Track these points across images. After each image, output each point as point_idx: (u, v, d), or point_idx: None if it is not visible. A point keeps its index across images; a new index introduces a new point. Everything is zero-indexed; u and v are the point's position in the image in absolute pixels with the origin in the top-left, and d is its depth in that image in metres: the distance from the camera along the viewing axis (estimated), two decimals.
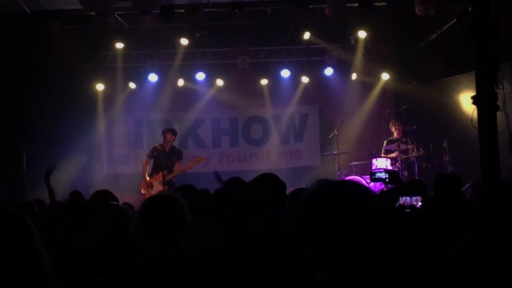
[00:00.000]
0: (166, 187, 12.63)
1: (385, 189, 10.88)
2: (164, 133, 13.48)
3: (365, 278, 2.25)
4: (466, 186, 9.12)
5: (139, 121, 16.73)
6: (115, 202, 5.54)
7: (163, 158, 13.25)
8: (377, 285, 2.32)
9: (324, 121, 16.69)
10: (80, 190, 8.84)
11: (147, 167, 13.73)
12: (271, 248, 3.69)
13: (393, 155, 13.98)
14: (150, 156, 13.72)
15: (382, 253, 2.31)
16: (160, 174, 12.95)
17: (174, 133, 13.71)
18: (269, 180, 4.97)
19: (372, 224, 2.28)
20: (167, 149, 13.41)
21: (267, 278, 3.69)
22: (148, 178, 13.42)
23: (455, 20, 7.02)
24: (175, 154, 13.50)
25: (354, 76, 16.32)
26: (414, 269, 3.25)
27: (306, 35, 15.09)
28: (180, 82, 16.35)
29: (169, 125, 14.77)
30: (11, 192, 12.79)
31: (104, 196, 6.26)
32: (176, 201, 4.18)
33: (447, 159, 13.41)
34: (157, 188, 12.94)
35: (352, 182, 2.47)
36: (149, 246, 3.96)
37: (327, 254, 2.26)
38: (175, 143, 14.28)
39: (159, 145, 13.57)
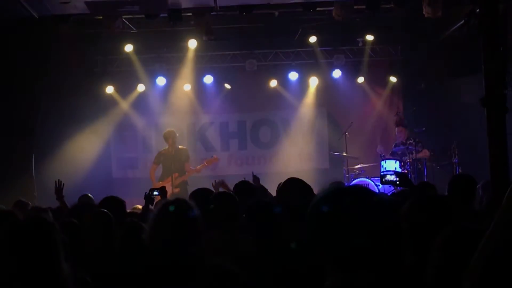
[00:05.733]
0: (177, 189, 12.63)
1: (395, 191, 10.85)
2: (166, 138, 13.44)
3: (378, 280, 2.25)
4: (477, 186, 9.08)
5: (147, 125, 16.74)
6: (101, 210, 5.53)
7: (172, 161, 13.22)
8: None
9: (333, 123, 16.69)
10: (89, 194, 8.83)
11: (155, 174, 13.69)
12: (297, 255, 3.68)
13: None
14: (156, 163, 13.62)
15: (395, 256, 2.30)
16: (170, 177, 12.92)
17: (175, 134, 13.68)
18: (299, 184, 4.97)
19: (387, 228, 2.28)
20: (173, 152, 13.37)
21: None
22: (160, 182, 13.28)
23: (463, 21, 7.00)
24: (182, 155, 13.47)
25: (361, 78, 16.31)
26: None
27: (312, 39, 15.10)
28: (188, 86, 16.37)
29: (176, 129, 14.83)
30: (21, 196, 12.78)
31: (112, 203, 6.27)
32: (189, 206, 4.14)
33: (456, 160, 13.37)
34: (169, 191, 12.90)
35: (363, 187, 2.46)
36: (162, 252, 3.94)
37: (340, 257, 2.25)
38: (184, 145, 14.29)
39: (164, 149, 13.56)
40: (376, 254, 2.23)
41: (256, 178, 8.78)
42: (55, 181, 8.22)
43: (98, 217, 5.29)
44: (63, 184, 8.19)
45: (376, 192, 2.40)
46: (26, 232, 3.30)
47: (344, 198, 2.29)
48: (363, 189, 2.38)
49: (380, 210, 2.30)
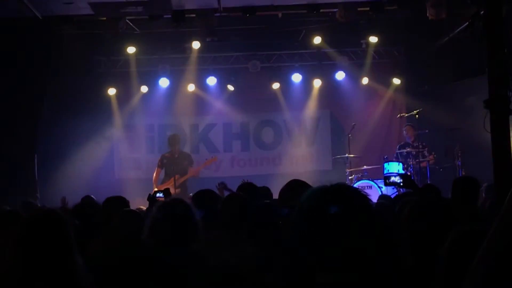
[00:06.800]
0: (178, 190, 12.60)
1: (397, 193, 10.83)
2: (172, 143, 13.38)
3: (364, 281, 2.25)
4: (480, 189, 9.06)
5: (150, 126, 16.74)
6: (131, 209, 5.57)
7: (174, 164, 13.17)
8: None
9: (336, 125, 16.70)
10: (92, 196, 8.84)
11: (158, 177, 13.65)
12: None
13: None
14: (160, 166, 13.55)
15: (382, 256, 2.30)
16: (172, 179, 12.88)
17: (179, 139, 13.65)
18: (301, 185, 4.95)
19: (373, 228, 2.28)
20: (177, 155, 13.33)
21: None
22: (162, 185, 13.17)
23: (466, 23, 6.98)
24: (185, 158, 13.44)
25: (365, 80, 16.29)
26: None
27: (317, 40, 15.06)
28: (191, 87, 16.36)
29: (179, 130, 14.88)
30: (23, 197, 12.79)
31: (118, 202, 6.28)
32: (187, 206, 4.17)
33: (459, 163, 13.34)
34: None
35: (352, 187, 2.46)
36: (163, 249, 3.95)
37: (327, 258, 2.25)
38: (187, 147, 14.24)
39: (167, 153, 13.51)
40: (363, 255, 2.24)
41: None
42: (62, 198, 8.30)
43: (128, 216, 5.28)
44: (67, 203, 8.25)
45: (365, 194, 2.39)
46: (40, 225, 3.30)
47: (331, 200, 2.30)
48: (353, 191, 2.38)
49: (369, 211, 2.30)
